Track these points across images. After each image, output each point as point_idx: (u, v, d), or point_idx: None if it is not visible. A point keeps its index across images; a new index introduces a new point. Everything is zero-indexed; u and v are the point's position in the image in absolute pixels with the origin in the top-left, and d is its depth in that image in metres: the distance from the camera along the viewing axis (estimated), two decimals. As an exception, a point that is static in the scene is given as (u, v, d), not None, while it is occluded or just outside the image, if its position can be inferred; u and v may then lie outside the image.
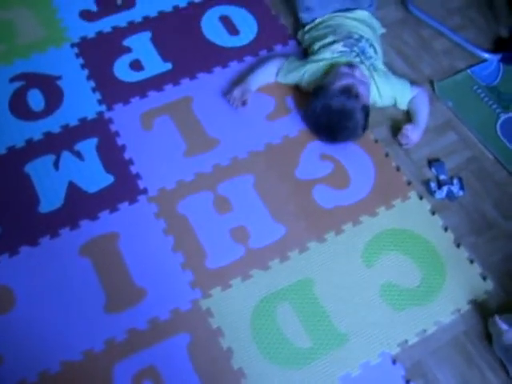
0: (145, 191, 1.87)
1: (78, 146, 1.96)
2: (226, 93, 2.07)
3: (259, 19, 2.32)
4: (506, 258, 1.81)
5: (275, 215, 1.84)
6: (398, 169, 1.96)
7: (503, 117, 2.09)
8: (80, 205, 1.85)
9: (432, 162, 1.97)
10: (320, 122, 1.94)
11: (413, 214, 1.87)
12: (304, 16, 2.21)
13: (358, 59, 2.01)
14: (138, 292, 1.70)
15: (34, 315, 1.67)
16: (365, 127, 1.94)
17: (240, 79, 2.10)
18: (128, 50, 2.20)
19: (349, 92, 1.87)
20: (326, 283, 1.73)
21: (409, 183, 1.93)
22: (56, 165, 1.93)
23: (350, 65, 1.94)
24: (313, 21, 2.20)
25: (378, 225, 1.84)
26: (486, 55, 2.25)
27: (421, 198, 1.90)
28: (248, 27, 2.30)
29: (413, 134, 1.98)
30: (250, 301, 1.69)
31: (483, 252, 1.82)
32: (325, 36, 2.11)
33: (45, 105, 2.06)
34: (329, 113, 1.89)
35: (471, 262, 1.79)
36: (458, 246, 1.81)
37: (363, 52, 2.04)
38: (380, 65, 2.08)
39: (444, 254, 1.80)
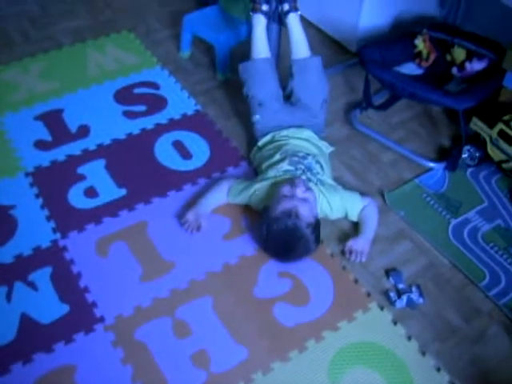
0: (101, 319, 1.82)
1: (32, 277, 1.92)
2: (180, 217, 2.09)
3: (211, 142, 2.40)
4: (472, 361, 1.79)
5: (236, 337, 1.80)
6: (356, 281, 1.96)
7: (453, 222, 2.15)
8: (33, 337, 1.78)
9: (389, 272, 1.99)
10: (270, 245, 1.98)
11: (375, 325, 1.85)
12: (256, 118, 2.30)
13: (304, 176, 2.06)
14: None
15: None
16: (316, 241, 1.97)
17: (193, 202, 2.12)
18: (82, 177, 2.23)
19: (289, 214, 1.90)
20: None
21: (368, 294, 1.93)
22: (8, 297, 1.87)
23: (292, 182, 1.98)
24: (263, 132, 2.29)
25: (341, 339, 1.81)
26: (431, 164, 2.35)
27: (382, 308, 1.89)
28: (200, 151, 2.36)
29: (358, 246, 2.02)
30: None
31: (449, 358, 1.80)
32: (271, 156, 2.18)
33: (-3, 236, 2.04)
34: (275, 235, 1.93)
35: (438, 369, 1.76)
36: (424, 354, 1.79)
37: (309, 169, 2.10)
38: (328, 179, 2.14)
39: (410, 364, 1.77)
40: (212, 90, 2.68)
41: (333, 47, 2.96)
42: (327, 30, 3.01)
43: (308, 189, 1.98)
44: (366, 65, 2.35)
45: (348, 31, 2.87)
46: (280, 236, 1.92)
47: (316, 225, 1.96)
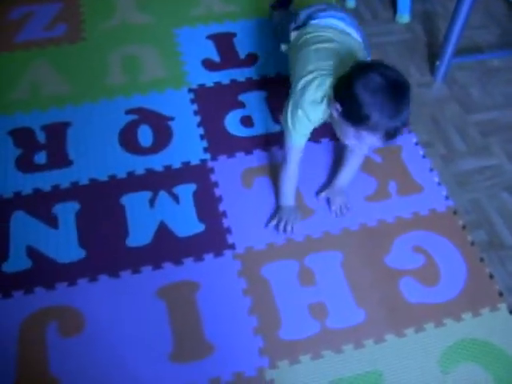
0: (232, 246, 1.87)
1: (176, 189, 1.99)
2: (270, 221, 1.93)
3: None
4: None
5: (357, 298, 1.79)
6: (491, 276, 1.87)
7: None
8: (167, 247, 1.87)
9: (529, 278, 1.88)
10: (383, 92, 1.52)
11: (500, 327, 1.77)
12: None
13: None
14: (205, 347, 1.68)
15: (98, 345, 1.67)
16: None
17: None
18: (242, 104, 2.25)
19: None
20: (395, 381, 1.65)
21: (501, 294, 1.84)
22: (152, 202, 1.96)
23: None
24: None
25: (461, 331, 1.75)
26: None
27: (511, 312, 1.81)
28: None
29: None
30: (316, 382, 1.64)
31: None
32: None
33: (153, 142, 2.12)
34: (390, 81, 1.54)
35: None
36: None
37: None
38: None
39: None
40: (386, 44, 2.57)
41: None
42: (521, 7, 2.79)
43: None
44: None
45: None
46: (394, 82, 1.55)
47: None
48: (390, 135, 1.56)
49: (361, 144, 1.62)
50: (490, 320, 1.78)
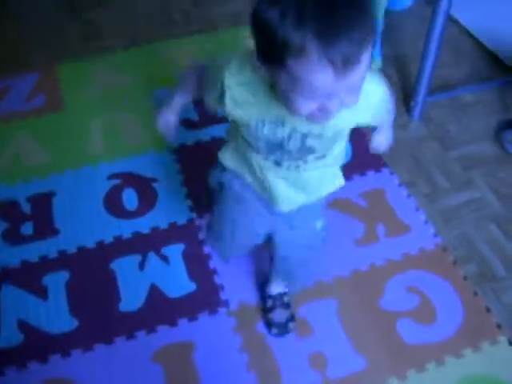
0: (226, 303, 1.85)
1: (165, 250, 1.99)
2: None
3: (354, 143, 2.33)
4: None
5: (356, 345, 1.77)
6: (487, 309, 1.87)
7: None
8: (160, 309, 1.85)
9: (527, 307, 1.88)
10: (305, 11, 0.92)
11: (502, 360, 1.75)
12: None
13: None
14: (206, 409, 1.65)
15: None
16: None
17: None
18: (224, 160, 2.26)
19: None
20: (403, 425, 1.63)
21: (499, 326, 1.83)
22: (141, 265, 1.95)
23: None
24: None
25: (463, 367, 1.73)
26: None
27: (510, 343, 1.79)
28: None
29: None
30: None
31: None
32: None
33: (138, 205, 2.12)
34: None
35: None
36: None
37: None
38: None
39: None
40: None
41: (488, 60, 2.81)
42: (485, 41, 2.85)
43: None
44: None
45: (510, 45, 2.72)
46: None
47: None
48: (339, 61, 0.92)
49: (315, 98, 1.01)
50: (491, 354, 1.77)
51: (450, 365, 1.74)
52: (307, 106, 1.03)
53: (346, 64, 0.93)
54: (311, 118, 1.07)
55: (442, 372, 1.72)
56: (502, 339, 1.80)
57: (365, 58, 0.96)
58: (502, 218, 2.12)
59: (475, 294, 1.90)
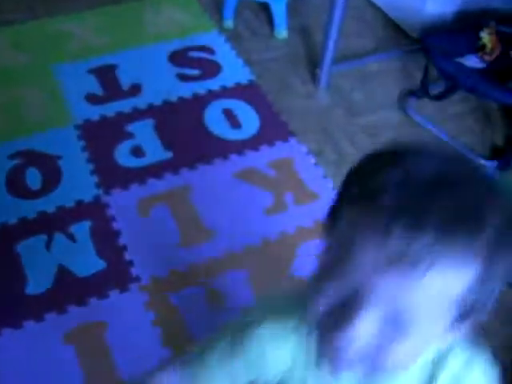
0: (137, 279, 1.83)
1: (72, 229, 1.94)
2: None
3: (261, 115, 2.35)
4: None
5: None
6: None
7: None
8: (69, 289, 1.80)
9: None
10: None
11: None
12: None
13: None
14: (119, 386, 1.63)
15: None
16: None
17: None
18: (130, 135, 2.22)
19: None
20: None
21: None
22: (48, 246, 1.89)
23: None
24: None
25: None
26: (483, 161, 2.28)
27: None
28: (250, 122, 2.32)
29: None
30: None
31: None
32: None
33: (42, 184, 2.05)
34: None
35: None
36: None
37: None
38: None
39: None
40: (267, 61, 2.64)
41: (392, 30, 2.88)
42: (389, 12, 2.92)
43: None
44: (430, 53, 2.27)
45: (411, 16, 2.78)
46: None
47: None
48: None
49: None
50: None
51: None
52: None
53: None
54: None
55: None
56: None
57: None
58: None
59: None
